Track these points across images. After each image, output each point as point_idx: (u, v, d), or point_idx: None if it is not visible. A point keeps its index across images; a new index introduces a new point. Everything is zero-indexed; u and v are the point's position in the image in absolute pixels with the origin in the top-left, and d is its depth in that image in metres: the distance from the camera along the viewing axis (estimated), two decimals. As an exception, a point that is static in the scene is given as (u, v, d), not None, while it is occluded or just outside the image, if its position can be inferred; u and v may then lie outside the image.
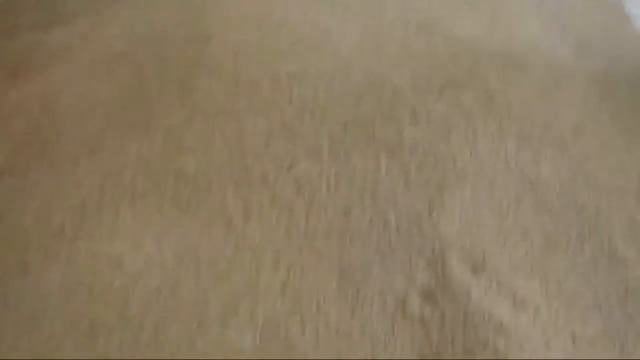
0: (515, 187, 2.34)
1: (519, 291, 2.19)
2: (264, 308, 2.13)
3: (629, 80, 2.68)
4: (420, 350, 2.10)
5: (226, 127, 2.43)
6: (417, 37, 2.75)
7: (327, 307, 2.18)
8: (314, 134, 2.40)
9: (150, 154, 2.37)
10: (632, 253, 2.24)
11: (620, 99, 2.59)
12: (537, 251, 2.26)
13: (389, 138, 2.39)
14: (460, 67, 2.60)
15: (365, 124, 2.43)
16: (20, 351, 2.07)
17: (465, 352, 2.08)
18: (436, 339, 2.11)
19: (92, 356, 2.04)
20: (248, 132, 2.43)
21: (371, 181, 2.30)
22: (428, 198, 2.29)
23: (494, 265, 2.21)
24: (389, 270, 2.21)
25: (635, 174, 2.44)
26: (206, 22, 2.81)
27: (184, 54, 2.67)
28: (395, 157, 2.33)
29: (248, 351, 2.03)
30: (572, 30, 2.90)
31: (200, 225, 2.24)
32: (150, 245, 2.21)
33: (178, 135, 2.42)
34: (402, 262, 2.22)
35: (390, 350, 2.12)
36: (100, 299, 2.14)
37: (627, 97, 2.63)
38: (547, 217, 2.31)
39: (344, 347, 2.14)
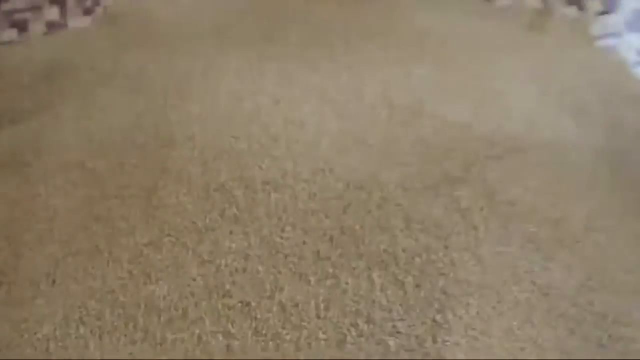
0: (525, 297, 2.07)
1: None
2: None
3: (635, 152, 2.40)
4: None
5: (198, 246, 2.13)
6: (402, 124, 2.45)
7: None
8: (297, 250, 2.11)
9: (116, 281, 2.07)
10: None
11: (630, 178, 2.32)
12: None
13: (382, 250, 2.09)
14: (454, 158, 2.31)
15: (353, 234, 2.14)
16: None
17: None
18: None
19: None
20: (223, 251, 2.13)
21: (365, 303, 2.02)
22: (430, 321, 2.01)
23: None
24: None
25: (653, 267, 2.16)
26: (169, 122, 2.49)
27: (147, 161, 2.36)
28: (389, 273, 2.05)
29: None
30: (568, 95, 2.62)
31: (178, 364, 1.82)
32: (123, 391, 1.79)
33: (145, 257, 2.12)
34: None
35: None
36: None
37: (637, 174, 2.35)
38: (563, 328, 2.04)
39: None
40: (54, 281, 2.14)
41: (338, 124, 2.44)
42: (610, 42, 2.88)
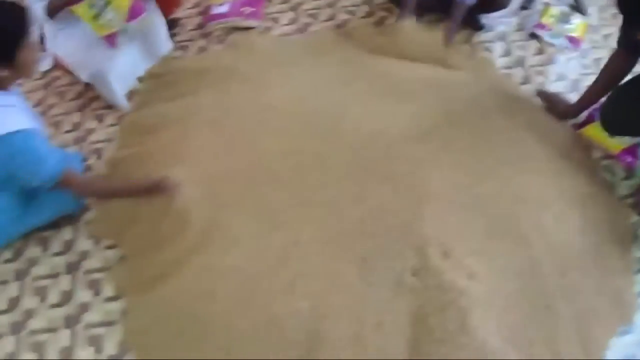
0: (464, 202, 2.53)
1: (471, 268, 2.37)
2: (314, 286, 2.32)
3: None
4: (411, 307, 2.28)
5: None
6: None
7: (352, 284, 2.33)
8: (344, 168, 2.62)
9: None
10: (534, 236, 2.44)
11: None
12: (480, 242, 2.45)
13: (389, 171, 2.60)
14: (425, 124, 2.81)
15: (374, 162, 2.62)
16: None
17: (440, 308, 2.26)
18: (422, 300, 2.29)
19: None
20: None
21: (377, 201, 2.53)
22: (413, 211, 2.50)
23: (456, 253, 2.40)
24: (390, 258, 2.39)
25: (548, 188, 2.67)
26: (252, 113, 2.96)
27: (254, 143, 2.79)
28: (392, 184, 2.56)
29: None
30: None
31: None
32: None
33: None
34: (399, 253, 2.39)
35: (393, 308, 2.28)
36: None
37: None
38: (485, 219, 2.50)
39: (364, 307, 2.29)
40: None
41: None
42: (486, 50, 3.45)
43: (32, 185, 2.33)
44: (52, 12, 3.03)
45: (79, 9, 2.98)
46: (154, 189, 2.46)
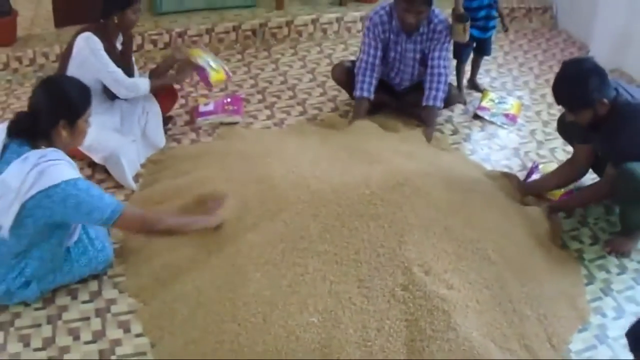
0: (437, 232, 3.07)
1: (448, 282, 2.89)
2: (322, 304, 2.75)
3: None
4: (404, 314, 2.76)
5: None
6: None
7: (353, 298, 2.80)
8: (336, 216, 3.09)
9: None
10: (495, 256, 3.02)
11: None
12: (453, 262, 2.98)
13: (374, 213, 3.10)
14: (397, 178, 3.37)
15: (360, 208, 3.11)
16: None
17: (428, 312, 2.74)
18: (412, 307, 2.80)
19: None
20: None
21: (367, 235, 3.02)
22: (397, 241, 3.01)
23: (435, 270, 2.92)
24: (383, 278, 2.87)
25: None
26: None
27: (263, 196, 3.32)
28: (377, 222, 3.06)
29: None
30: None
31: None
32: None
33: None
34: (389, 273, 2.88)
35: (390, 316, 2.75)
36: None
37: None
38: (455, 244, 3.06)
39: (366, 318, 2.74)
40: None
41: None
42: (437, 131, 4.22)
43: (92, 222, 2.75)
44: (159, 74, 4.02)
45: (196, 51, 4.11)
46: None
